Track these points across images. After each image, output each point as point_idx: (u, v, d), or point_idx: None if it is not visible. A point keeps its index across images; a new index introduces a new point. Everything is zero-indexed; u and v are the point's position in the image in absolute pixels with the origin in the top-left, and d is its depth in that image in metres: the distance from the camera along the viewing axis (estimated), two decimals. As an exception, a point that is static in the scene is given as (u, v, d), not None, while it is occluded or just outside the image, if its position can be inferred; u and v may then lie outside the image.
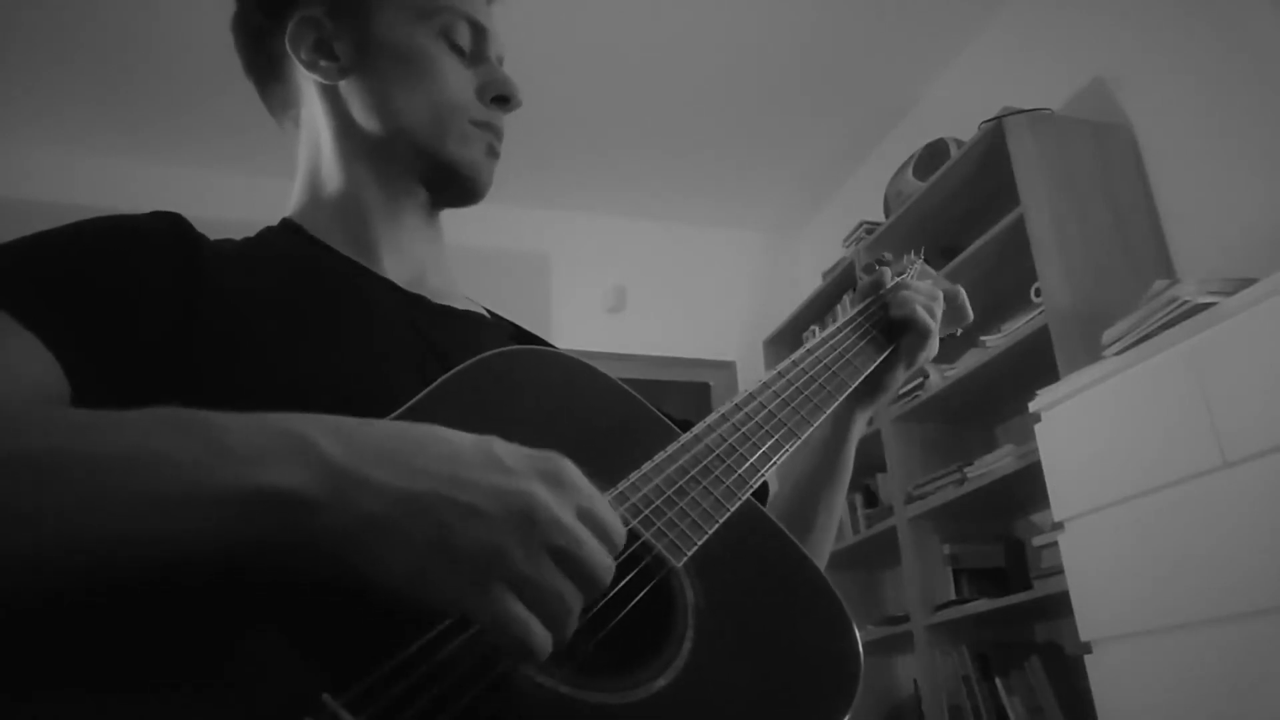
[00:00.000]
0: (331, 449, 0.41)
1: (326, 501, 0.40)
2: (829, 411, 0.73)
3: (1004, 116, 2.42)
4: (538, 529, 0.41)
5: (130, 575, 0.39)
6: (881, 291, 0.88)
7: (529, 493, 0.42)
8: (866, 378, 0.83)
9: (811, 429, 0.70)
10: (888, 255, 0.95)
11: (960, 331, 0.94)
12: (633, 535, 0.53)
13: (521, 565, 0.40)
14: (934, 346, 0.88)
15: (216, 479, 0.39)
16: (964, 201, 2.79)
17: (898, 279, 0.90)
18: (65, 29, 2.79)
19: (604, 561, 0.43)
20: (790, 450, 0.67)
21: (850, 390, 0.77)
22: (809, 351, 0.77)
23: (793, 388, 0.72)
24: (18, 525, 0.37)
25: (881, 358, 0.82)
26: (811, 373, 0.75)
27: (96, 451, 0.40)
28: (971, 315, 0.94)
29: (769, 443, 0.65)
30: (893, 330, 0.85)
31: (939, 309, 0.87)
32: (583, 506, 0.44)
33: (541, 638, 0.40)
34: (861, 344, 0.81)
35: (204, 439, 0.41)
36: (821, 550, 0.84)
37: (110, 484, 0.39)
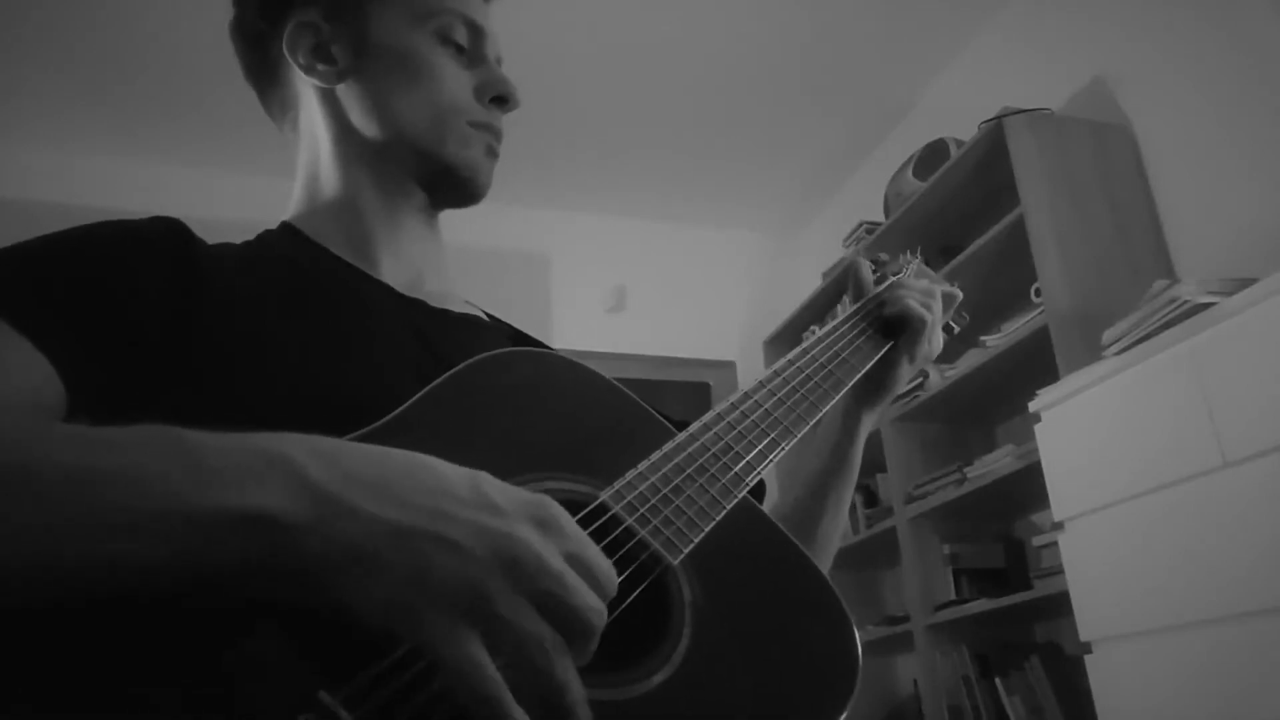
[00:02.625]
0: (317, 473, 0.41)
1: (308, 526, 0.39)
2: (825, 410, 0.73)
3: (1004, 116, 2.42)
4: (522, 573, 0.40)
5: (105, 593, 0.38)
6: (878, 290, 0.88)
7: (515, 535, 0.41)
8: (870, 376, 0.83)
9: (808, 427, 0.70)
10: (883, 255, 0.95)
11: (957, 330, 0.94)
12: (628, 533, 0.53)
13: (500, 609, 0.39)
14: (937, 341, 0.87)
15: (198, 500, 0.39)
16: (964, 201, 2.79)
17: (894, 278, 0.90)
18: (64, 29, 2.79)
19: (592, 604, 0.42)
20: (786, 449, 0.67)
21: (847, 389, 0.77)
22: (805, 351, 0.77)
23: (789, 386, 0.72)
24: None
25: (879, 355, 0.82)
26: (808, 371, 0.75)
27: (72, 466, 0.39)
28: (966, 318, 0.94)
29: (765, 441, 0.65)
30: (890, 329, 0.85)
31: (937, 304, 0.87)
32: (571, 552, 0.43)
33: (499, 699, 0.39)
34: (859, 342, 0.82)
35: (187, 459, 0.40)
36: (829, 549, 0.84)
37: (86, 501, 0.38)
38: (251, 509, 0.39)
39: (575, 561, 0.43)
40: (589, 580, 0.43)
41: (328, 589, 0.40)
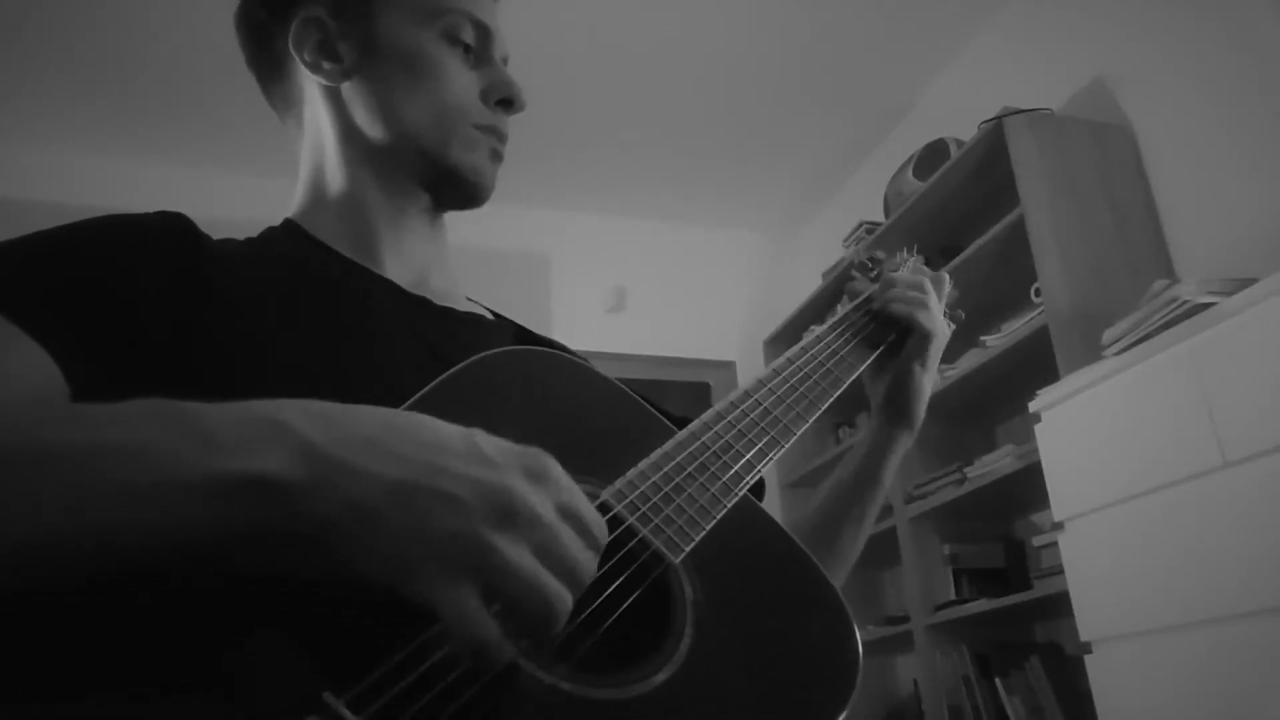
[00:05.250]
0: (314, 435, 0.41)
1: (309, 487, 0.40)
2: (824, 408, 0.73)
3: (1004, 116, 2.42)
4: (517, 523, 0.41)
5: (116, 567, 0.39)
6: (869, 291, 0.88)
7: (510, 486, 0.42)
8: (891, 399, 0.84)
9: (806, 426, 0.70)
10: (880, 253, 0.95)
11: (953, 327, 0.94)
12: (630, 532, 0.53)
13: (498, 559, 0.40)
14: (940, 329, 0.86)
15: (198, 467, 0.39)
16: (964, 201, 2.79)
17: (889, 276, 0.90)
18: (65, 29, 2.79)
19: (582, 557, 0.43)
20: (786, 447, 0.67)
21: (845, 386, 0.77)
22: (805, 349, 0.77)
23: (788, 385, 0.73)
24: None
25: (878, 352, 0.82)
26: (807, 370, 0.75)
27: (77, 443, 0.40)
28: (961, 315, 0.94)
29: (765, 440, 0.66)
30: (889, 323, 0.85)
31: (930, 296, 0.85)
32: (564, 502, 0.44)
33: (497, 644, 0.40)
34: (856, 340, 0.82)
35: (185, 428, 0.41)
36: (846, 561, 0.84)
37: (91, 475, 0.39)
38: (252, 473, 0.39)
39: (567, 511, 0.44)
40: (580, 530, 0.44)
41: (331, 549, 0.40)
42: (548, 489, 0.44)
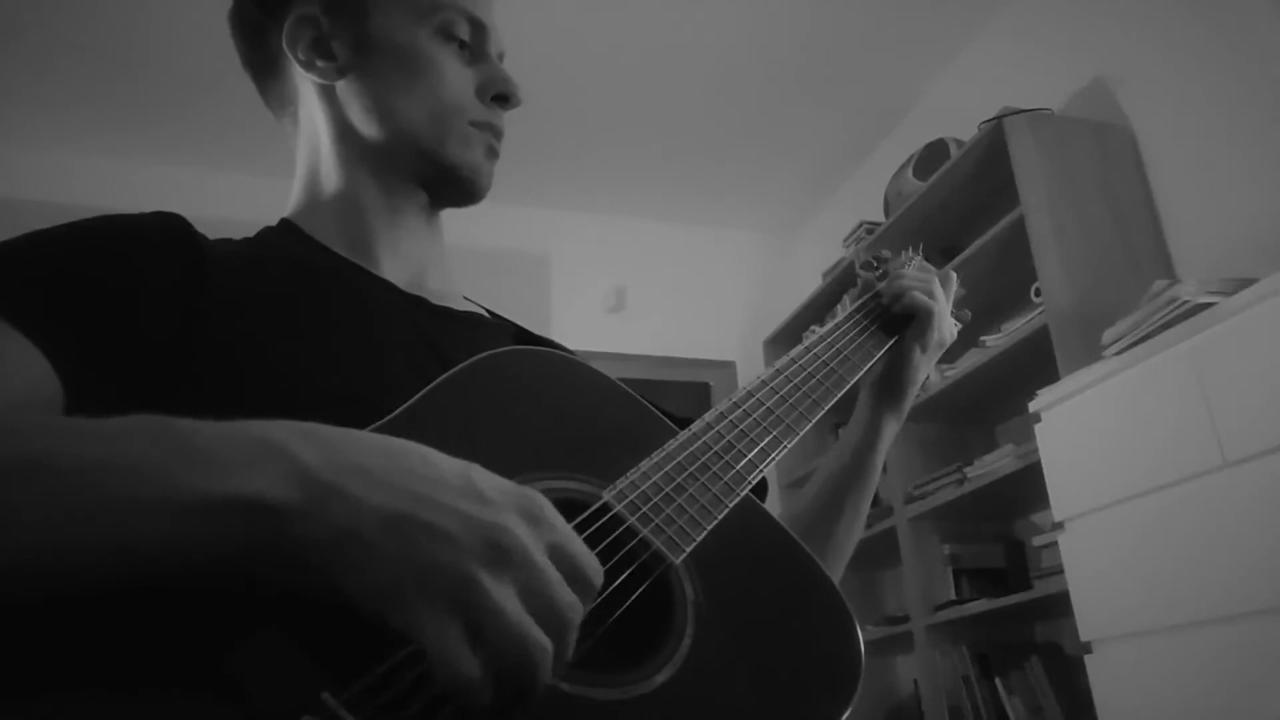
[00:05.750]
0: (309, 458, 0.41)
1: (300, 511, 0.39)
2: (827, 407, 0.72)
3: (1004, 116, 2.42)
4: (508, 563, 0.41)
5: (107, 581, 0.39)
6: (877, 287, 0.88)
7: (503, 526, 0.41)
8: (887, 376, 0.84)
9: (810, 425, 0.70)
10: (886, 252, 0.95)
11: (959, 325, 0.94)
12: (630, 532, 0.53)
13: (485, 599, 0.39)
14: (948, 328, 0.86)
15: (189, 486, 0.39)
16: (964, 201, 2.79)
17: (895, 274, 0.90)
18: (65, 29, 2.79)
19: (569, 600, 0.42)
20: (789, 447, 0.67)
21: (849, 385, 0.77)
22: (808, 349, 0.77)
23: (791, 384, 0.72)
24: None
25: (883, 351, 0.82)
26: (810, 369, 0.75)
27: (70, 456, 0.39)
28: (968, 315, 0.94)
29: (767, 439, 0.65)
30: (894, 324, 0.85)
31: (937, 289, 0.86)
32: (557, 543, 0.43)
33: (478, 683, 0.39)
34: (861, 339, 0.81)
35: (177, 446, 0.40)
36: (844, 550, 0.83)
37: (84, 490, 0.38)
38: (243, 494, 0.39)
39: (560, 553, 0.43)
40: (573, 573, 0.43)
41: (320, 573, 0.40)
42: (541, 530, 0.43)
